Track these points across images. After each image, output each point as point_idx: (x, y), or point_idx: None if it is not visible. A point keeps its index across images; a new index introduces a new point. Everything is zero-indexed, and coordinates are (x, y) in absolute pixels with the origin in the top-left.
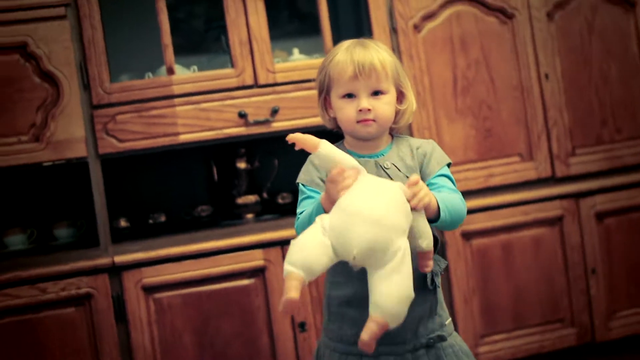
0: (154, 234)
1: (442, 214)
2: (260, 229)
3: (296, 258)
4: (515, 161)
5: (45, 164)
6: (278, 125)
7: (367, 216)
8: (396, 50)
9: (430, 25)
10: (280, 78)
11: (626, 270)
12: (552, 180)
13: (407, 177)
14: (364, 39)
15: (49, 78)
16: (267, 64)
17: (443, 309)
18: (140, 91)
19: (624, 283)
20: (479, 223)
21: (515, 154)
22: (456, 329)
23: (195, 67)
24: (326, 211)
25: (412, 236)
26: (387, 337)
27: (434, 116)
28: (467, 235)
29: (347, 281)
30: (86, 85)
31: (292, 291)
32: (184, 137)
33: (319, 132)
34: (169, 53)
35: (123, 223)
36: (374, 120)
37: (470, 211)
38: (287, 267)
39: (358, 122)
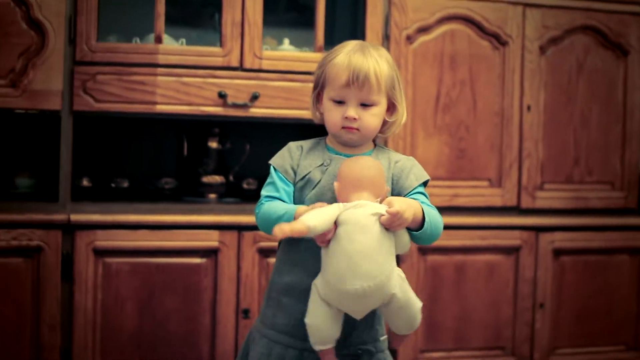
0: (114, 198)
1: (425, 225)
2: (221, 210)
3: (316, 340)
4: (483, 185)
5: (17, 111)
6: (256, 111)
7: (357, 294)
8: None
9: (424, 38)
10: (266, 65)
11: (573, 309)
12: (516, 210)
13: None
14: (369, 44)
15: (37, 26)
16: (255, 49)
17: (380, 324)
18: (125, 54)
19: (569, 322)
20: (437, 240)
21: (484, 179)
22: None
23: (184, 40)
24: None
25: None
26: None
27: (411, 128)
28: (423, 251)
29: (290, 270)
30: (72, 40)
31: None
32: (161, 108)
33: (296, 125)
34: (160, 22)
35: (85, 182)
36: (358, 130)
37: None
38: (315, 347)
39: (342, 127)
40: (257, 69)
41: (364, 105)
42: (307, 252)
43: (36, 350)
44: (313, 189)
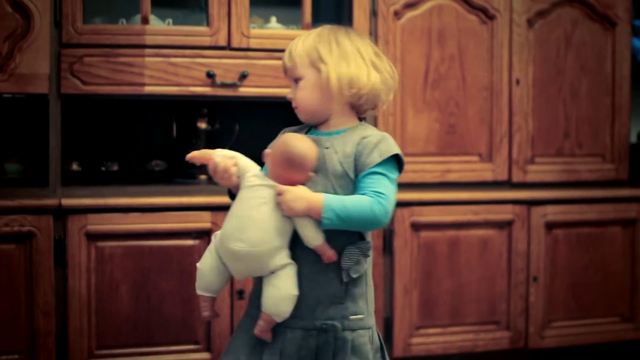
0: (104, 181)
1: (324, 220)
2: (212, 191)
3: (199, 284)
4: (474, 160)
5: (4, 95)
6: (245, 90)
7: (237, 254)
8: (373, 34)
9: (411, 14)
10: (253, 44)
11: (567, 282)
12: (507, 184)
13: (341, 163)
14: (332, 27)
15: (22, 9)
16: (242, 27)
17: (354, 302)
18: (112, 36)
19: (563, 294)
20: (430, 216)
21: (475, 154)
22: (393, 318)
23: (170, 21)
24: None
25: (298, 229)
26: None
27: (400, 104)
28: (416, 227)
29: None
30: (57, 23)
31: (205, 311)
32: (149, 89)
33: (285, 103)
34: (146, 2)
35: (75, 166)
36: (297, 107)
37: (423, 203)
38: (197, 291)
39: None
40: (245, 47)
41: (295, 82)
42: None
43: (31, 337)
44: None
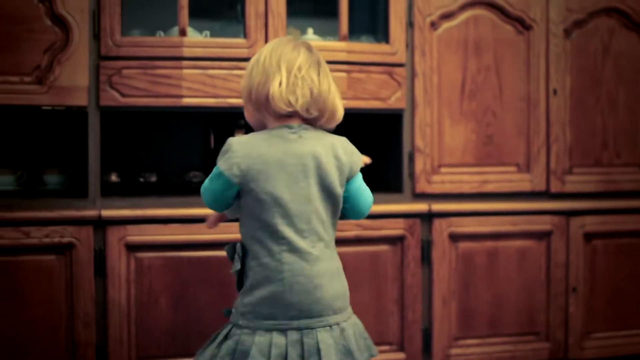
0: (143, 192)
1: None
2: None
3: None
4: (511, 171)
5: (44, 107)
6: None
7: None
8: (410, 44)
9: (447, 25)
10: None
11: (607, 293)
12: (545, 195)
13: None
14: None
15: (60, 22)
16: None
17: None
18: (150, 48)
19: (602, 305)
20: (468, 227)
21: (512, 164)
22: (431, 329)
23: (208, 33)
24: None
25: None
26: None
27: (437, 115)
28: (455, 238)
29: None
30: (96, 35)
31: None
32: (187, 101)
33: None
34: (184, 14)
35: (114, 178)
36: None
37: (461, 214)
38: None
39: None
40: None
41: None
42: None
43: (72, 347)
44: None
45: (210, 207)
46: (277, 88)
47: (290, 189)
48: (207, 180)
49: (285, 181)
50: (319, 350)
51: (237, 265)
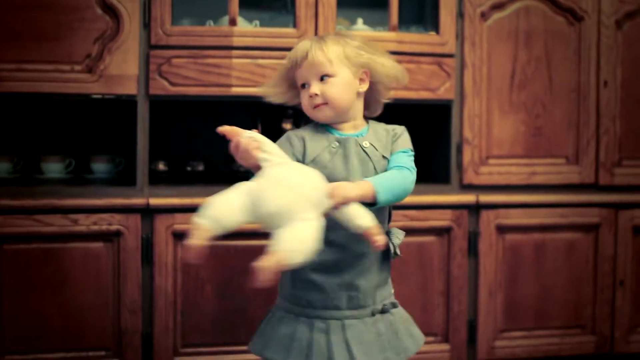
0: (190, 181)
1: (380, 197)
2: None
3: (206, 211)
4: (560, 163)
5: (94, 96)
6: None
7: (284, 183)
8: (460, 35)
9: (498, 15)
10: None
11: None
12: (594, 187)
13: (384, 156)
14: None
15: (111, 11)
16: (329, 29)
17: (391, 278)
18: (200, 37)
19: None
20: (516, 219)
21: (561, 156)
22: (477, 320)
23: (258, 22)
24: None
25: (348, 219)
26: (352, 303)
27: (486, 106)
28: (502, 229)
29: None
30: (146, 24)
31: (194, 239)
32: (236, 90)
33: None
34: (234, 4)
35: (161, 166)
36: (326, 104)
37: (509, 206)
38: (194, 218)
39: (313, 108)
40: None
41: (322, 79)
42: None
43: (118, 335)
44: (325, 169)
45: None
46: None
47: None
48: (413, 164)
49: None
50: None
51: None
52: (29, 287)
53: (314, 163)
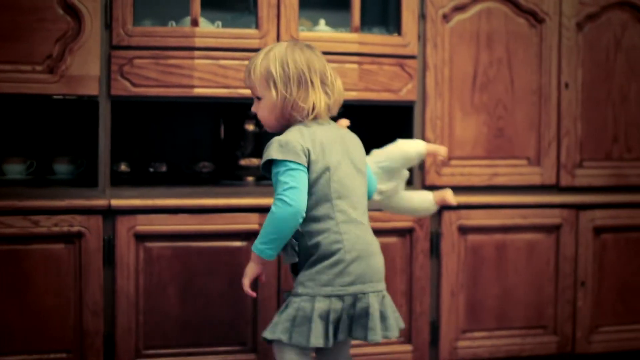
0: (153, 182)
1: (266, 255)
2: (259, 193)
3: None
4: (522, 164)
5: (55, 97)
6: None
7: None
8: (422, 37)
9: (460, 17)
10: None
11: (615, 287)
12: (555, 188)
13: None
14: (290, 42)
15: (72, 11)
16: (292, 30)
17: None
18: (162, 38)
19: (611, 299)
20: (477, 219)
21: (523, 157)
22: (439, 321)
23: (220, 23)
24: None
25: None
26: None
27: (448, 108)
28: (464, 230)
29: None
30: (108, 25)
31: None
32: (198, 91)
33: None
34: (196, 4)
35: (123, 167)
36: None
37: (471, 207)
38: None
39: None
40: None
41: (258, 98)
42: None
43: (80, 336)
44: None
45: (299, 210)
46: (322, 103)
47: (341, 166)
48: (288, 182)
49: (336, 158)
50: (367, 313)
51: (294, 259)
52: None
53: None
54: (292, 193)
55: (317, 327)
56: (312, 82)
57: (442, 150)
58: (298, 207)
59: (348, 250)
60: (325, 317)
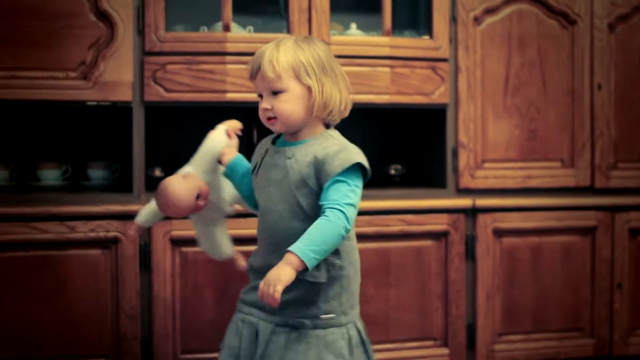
0: None
1: (310, 264)
2: None
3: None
4: (555, 166)
5: (89, 103)
6: None
7: None
8: (453, 40)
9: (491, 19)
10: (334, 51)
11: None
12: (590, 190)
13: (300, 172)
14: (296, 37)
15: (105, 18)
16: (323, 34)
17: (327, 302)
18: (194, 44)
19: None
20: (512, 222)
21: (556, 159)
22: (475, 324)
23: (252, 28)
24: None
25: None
26: (263, 305)
27: (481, 110)
28: (499, 233)
29: (257, 251)
30: (140, 31)
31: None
32: (231, 96)
33: (365, 109)
34: (228, 10)
35: (157, 172)
36: (275, 118)
37: (505, 209)
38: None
39: (267, 120)
40: None
41: (274, 94)
42: (264, 233)
43: (117, 341)
44: (255, 178)
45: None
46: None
47: None
48: (350, 198)
49: None
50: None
51: (324, 277)
52: (27, 294)
53: (252, 174)
54: (353, 213)
55: None
56: (336, 76)
57: None
58: (349, 229)
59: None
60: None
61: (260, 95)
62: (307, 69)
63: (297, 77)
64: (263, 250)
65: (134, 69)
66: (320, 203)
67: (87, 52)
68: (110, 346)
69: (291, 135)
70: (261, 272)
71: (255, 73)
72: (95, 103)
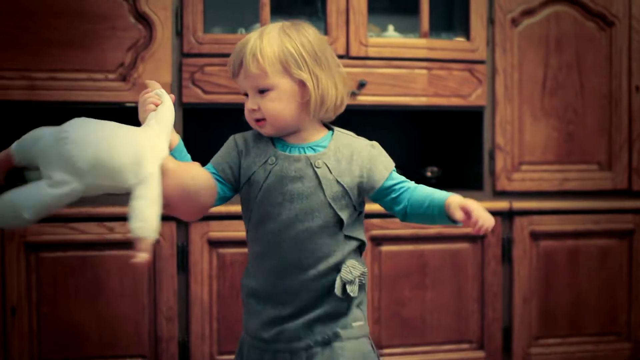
0: None
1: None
2: None
3: None
4: (592, 169)
5: (128, 104)
6: (363, 99)
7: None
8: (490, 41)
9: (529, 21)
10: (372, 52)
11: None
12: (627, 193)
13: (338, 180)
14: (283, 23)
15: (144, 20)
16: (361, 36)
17: (354, 311)
18: (232, 45)
19: None
20: (549, 225)
21: (593, 162)
22: (512, 328)
23: None
24: None
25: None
26: (284, 335)
27: (518, 112)
28: (535, 236)
29: (256, 273)
30: (179, 32)
31: None
32: None
33: (403, 112)
34: (265, 12)
35: None
36: (264, 120)
37: (542, 212)
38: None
39: (255, 122)
40: (364, 56)
41: (261, 92)
42: (275, 253)
43: (154, 342)
44: (259, 191)
45: None
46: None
47: None
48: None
49: None
50: None
51: (357, 289)
52: (65, 294)
53: (249, 185)
54: None
55: None
56: (331, 67)
57: None
58: None
59: None
60: None
61: (246, 94)
62: (297, 61)
63: (287, 71)
64: (268, 273)
65: (172, 71)
66: (387, 198)
67: (126, 53)
68: (147, 347)
69: (294, 136)
70: (270, 298)
71: (237, 70)
72: (133, 104)
